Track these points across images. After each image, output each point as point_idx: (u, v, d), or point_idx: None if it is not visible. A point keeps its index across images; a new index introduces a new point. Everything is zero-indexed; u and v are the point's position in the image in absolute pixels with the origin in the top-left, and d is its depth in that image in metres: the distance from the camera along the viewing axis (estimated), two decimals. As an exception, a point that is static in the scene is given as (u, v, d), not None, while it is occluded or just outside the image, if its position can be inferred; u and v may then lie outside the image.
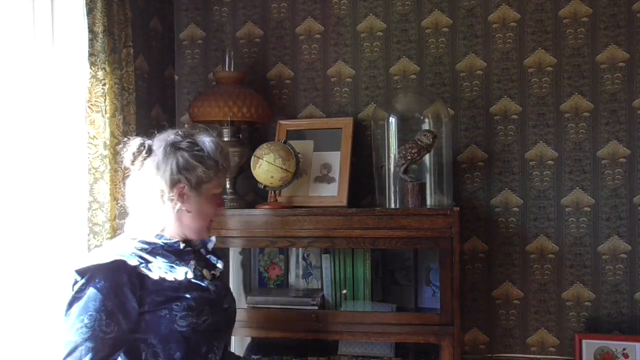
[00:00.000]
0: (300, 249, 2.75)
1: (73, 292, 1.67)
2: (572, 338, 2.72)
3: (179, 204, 1.80)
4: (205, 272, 1.88)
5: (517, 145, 2.79)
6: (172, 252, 1.82)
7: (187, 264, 1.83)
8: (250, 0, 3.01)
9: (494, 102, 2.80)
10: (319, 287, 2.65)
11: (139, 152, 1.80)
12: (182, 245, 1.84)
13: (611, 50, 2.70)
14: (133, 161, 1.81)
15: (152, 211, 1.82)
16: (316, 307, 2.50)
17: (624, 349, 2.60)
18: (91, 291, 1.66)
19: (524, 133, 2.78)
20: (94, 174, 2.21)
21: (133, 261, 1.74)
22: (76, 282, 1.68)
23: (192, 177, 1.79)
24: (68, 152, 2.27)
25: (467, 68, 2.82)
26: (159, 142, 1.82)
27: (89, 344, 1.63)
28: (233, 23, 3.03)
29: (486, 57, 2.81)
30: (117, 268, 1.71)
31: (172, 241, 1.83)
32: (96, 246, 2.19)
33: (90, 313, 1.65)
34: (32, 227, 2.13)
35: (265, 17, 3.00)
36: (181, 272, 1.80)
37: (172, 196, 1.79)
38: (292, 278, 2.78)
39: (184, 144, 1.81)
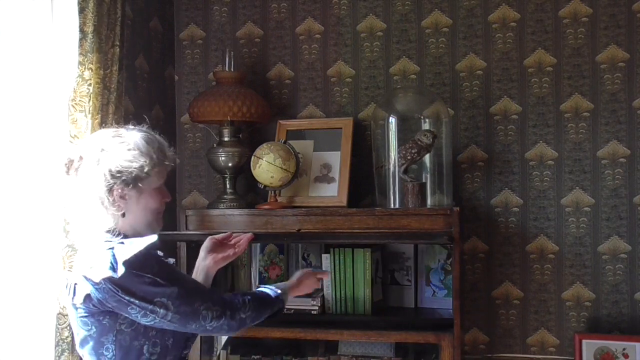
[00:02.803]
0: (300, 249, 2.75)
1: (148, 275, 1.66)
2: (572, 338, 2.72)
3: (121, 206, 1.75)
4: None
5: (517, 145, 2.79)
6: None
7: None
8: (250, 0, 3.01)
9: (494, 102, 2.80)
10: (319, 287, 2.65)
11: (70, 162, 1.76)
12: None
13: (611, 50, 2.70)
14: (67, 171, 1.77)
15: (99, 217, 1.77)
16: (316, 307, 2.50)
17: (624, 349, 2.60)
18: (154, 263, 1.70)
19: (524, 133, 2.78)
20: None
21: None
22: (129, 271, 1.64)
23: (127, 178, 1.73)
24: (48, 149, 2.27)
25: (467, 68, 2.82)
26: (88, 147, 1.78)
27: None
28: (233, 23, 3.03)
29: (486, 57, 2.81)
30: (151, 248, 1.73)
31: None
32: (68, 245, 2.18)
33: (169, 268, 1.75)
34: (8, 223, 2.14)
35: (265, 17, 3.00)
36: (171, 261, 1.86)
37: (113, 201, 1.74)
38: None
39: (112, 145, 1.76)
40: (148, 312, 1.65)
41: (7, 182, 2.15)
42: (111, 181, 1.72)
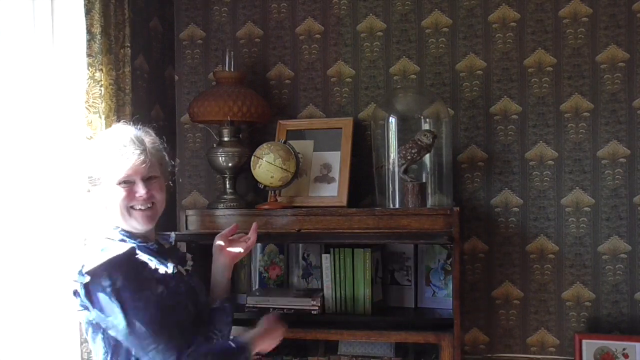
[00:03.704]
0: (300, 249, 2.75)
1: (109, 291, 1.67)
2: (572, 338, 2.72)
3: (95, 202, 1.87)
4: (179, 267, 1.92)
5: (517, 145, 2.79)
6: (151, 251, 1.87)
7: (166, 262, 1.88)
8: (250, 0, 3.01)
9: (494, 102, 2.80)
10: (319, 287, 2.65)
11: None
12: (154, 246, 1.89)
13: (611, 50, 2.70)
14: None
15: (98, 215, 1.89)
16: (316, 307, 2.50)
17: (624, 349, 2.60)
18: (119, 280, 1.69)
19: (524, 133, 2.78)
20: None
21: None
22: (94, 282, 1.69)
23: (90, 179, 1.84)
24: (66, 152, 2.28)
25: (467, 68, 2.82)
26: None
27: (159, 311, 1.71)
28: (233, 23, 3.03)
29: (486, 57, 2.81)
30: (129, 256, 1.76)
31: (149, 244, 1.88)
32: None
33: (134, 287, 1.71)
34: (28, 225, 2.15)
35: (265, 17, 3.00)
36: (170, 267, 1.86)
37: (92, 199, 1.86)
38: (292, 278, 2.78)
39: (85, 148, 1.94)
40: (103, 325, 1.73)
41: (41, 186, 2.19)
42: (86, 182, 1.85)
